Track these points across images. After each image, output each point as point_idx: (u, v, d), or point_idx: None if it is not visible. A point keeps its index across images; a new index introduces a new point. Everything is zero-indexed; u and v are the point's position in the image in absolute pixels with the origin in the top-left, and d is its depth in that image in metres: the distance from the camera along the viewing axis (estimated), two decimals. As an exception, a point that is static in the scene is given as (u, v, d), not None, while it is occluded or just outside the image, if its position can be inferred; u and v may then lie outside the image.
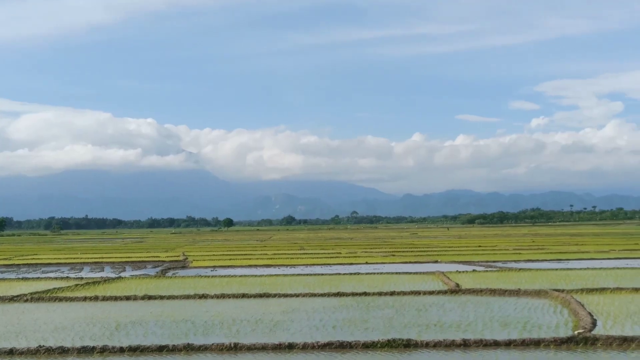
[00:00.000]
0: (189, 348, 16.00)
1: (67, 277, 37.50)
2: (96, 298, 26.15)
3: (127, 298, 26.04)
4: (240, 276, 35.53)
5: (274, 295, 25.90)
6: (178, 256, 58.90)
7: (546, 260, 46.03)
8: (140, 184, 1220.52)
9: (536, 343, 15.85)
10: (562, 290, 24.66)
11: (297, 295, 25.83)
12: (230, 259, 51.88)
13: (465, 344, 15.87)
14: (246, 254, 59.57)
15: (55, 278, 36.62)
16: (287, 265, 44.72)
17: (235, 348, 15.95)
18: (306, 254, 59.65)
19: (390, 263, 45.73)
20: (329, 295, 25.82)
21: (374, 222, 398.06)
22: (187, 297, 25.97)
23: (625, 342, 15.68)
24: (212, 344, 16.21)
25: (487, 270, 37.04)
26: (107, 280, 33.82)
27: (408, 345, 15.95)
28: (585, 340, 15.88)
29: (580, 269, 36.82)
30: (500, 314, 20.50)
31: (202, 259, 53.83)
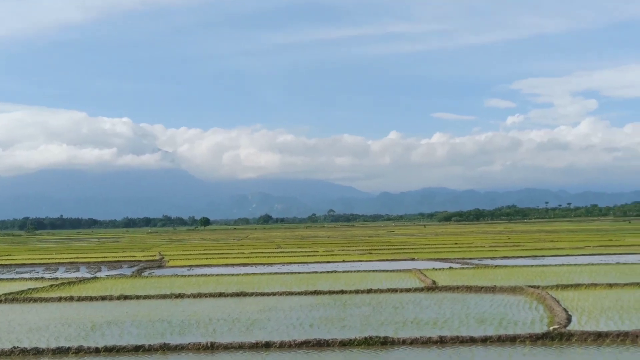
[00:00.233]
0: (165, 348, 15.92)
1: (42, 277, 37.19)
2: (71, 298, 25.95)
3: (103, 298, 25.87)
4: (217, 275, 35.43)
5: (251, 294, 25.87)
6: (154, 256, 58.63)
7: (522, 257, 46.35)
8: (116, 184, 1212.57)
9: (512, 339, 15.95)
10: (538, 287, 24.86)
11: (274, 294, 25.82)
12: (206, 258, 51.74)
13: (441, 341, 15.94)
14: (223, 253, 59.42)
15: (30, 279, 36.31)
16: (264, 264, 44.69)
17: (212, 347, 15.89)
18: (283, 252, 59.62)
19: (367, 261, 45.83)
20: (306, 293, 25.82)
21: (350, 221, 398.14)
22: (164, 296, 25.86)
23: (599, 337, 15.81)
24: (189, 343, 16.14)
25: (463, 268, 37.23)
26: (82, 280, 33.58)
27: (385, 342, 15.99)
28: (560, 336, 16.00)
29: (556, 265, 37.12)
30: (477, 311, 20.61)
31: (179, 258, 53.64)
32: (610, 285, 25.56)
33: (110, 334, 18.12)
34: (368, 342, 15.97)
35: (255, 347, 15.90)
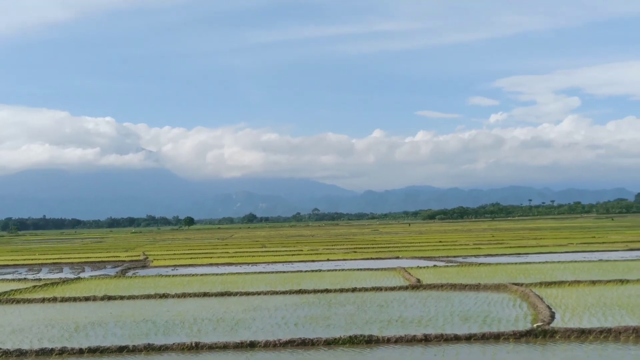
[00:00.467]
0: (149, 348, 15.88)
1: (25, 278, 36.98)
2: (55, 299, 25.82)
3: (87, 299, 25.75)
4: (202, 275, 35.37)
5: (236, 294, 25.85)
6: (138, 256, 58.43)
7: (506, 254, 46.57)
8: (99, 184, 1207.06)
9: (496, 336, 16.03)
10: (521, 284, 24.97)
11: (258, 294, 25.81)
12: (191, 258, 51.63)
13: (426, 339, 15.99)
14: (207, 253, 59.32)
15: (13, 280, 36.07)
16: (248, 264, 44.64)
17: (197, 347, 15.87)
18: (267, 251, 59.59)
19: (351, 260, 45.88)
20: (290, 292, 25.82)
21: (335, 219, 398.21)
22: (148, 297, 25.78)
23: (583, 334, 15.93)
24: (173, 343, 16.11)
25: (447, 266, 37.35)
26: (65, 281, 33.42)
27: (370, 341, 16.03)
28: (544, 333, 16.10)
29: (539, 262, 37.30)
30: (461, 309, 20.69)
31: (163, 258, 53.48)
32: (593, 282, 25.72)
33: (94, 335, 18.05)
34: (353, 341, 16.00)
35: (240, 346, 15.89)
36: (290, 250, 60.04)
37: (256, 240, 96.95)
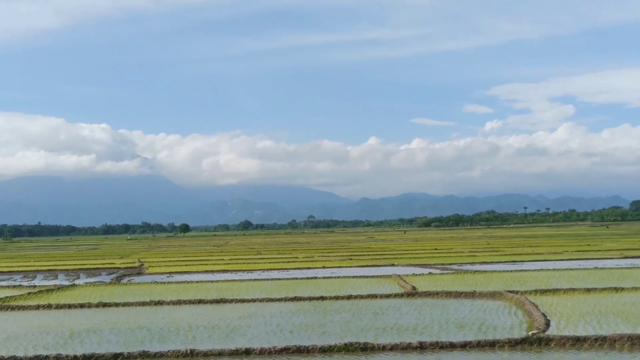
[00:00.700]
0: (144, 355, 15.86)
1: (20, 285, 36.91)
2: (49, 306, 25.76)
3: (82, 306, 25.70)
4: (197, 282, 35.32)
5: (231, 301, 25.82)
6: (133, 263, 58.32)
7: (501, 262, 46.60)
8: (94, 190, 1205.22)
9: (491, 344, 16.04)
10: (517, 292, 24.99)
11: (254, 301, 25.78)
12: (186, 265, 51.57)
13: (421, 347, 15.99)
14: (203, 260, 59.25)
15: (8, 286, 36.01)
16: (244, 271, 44.62)
17: (192, 354, 15.85)
18: (263, 258, 59.53)
19: (347, 267, 45.87)
20: (286, 299, 25.80)
21: (330, 226, 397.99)
22: (143, 303, 25.73)
23: (578, 342, 15.95)
24: (168, 350, 16.09)
25: (443, 273, 37.36)
26: (60, 288, 33.34)
27: (365, 348, 16.02)
28: (539, 341, 16.11)
29: (534, 270, 37.33)
30: (456, 316, 20.69)
31: (158, 265, 53.41)
32: (589, 290, 25.75)
33: (89, 342, 18.01)
34: (348, 348, 15.99)
35: (235, 353, 15.88)
36: (285, 258, 60.00)
37: (252, 247, 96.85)
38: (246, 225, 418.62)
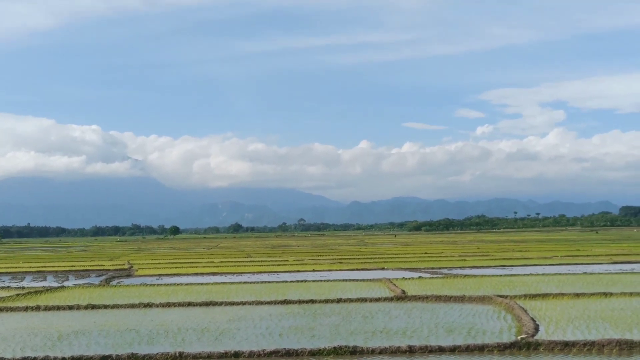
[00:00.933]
0: (133, 358, 15.81)
1: (8, 286, 36.75)
2: (38, 308, 25.67)
3: (70, 307, 25.62)
4: (186, 284, 35.27)
5: (220, 304, 25.78)
6: (123, 265, 58.17)
7: (491, 266, 46.69)
8: (84, 192, 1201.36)
9: (480, 348, 16.07)
10: (506, 296, 25.06)
11: (243, 304, 25.76)
12: (176, 267, 51.49)
13: (410, 350, 16.01)
14: (192, 262, 59.17)
15: (-4, 288, 35.82)
16: (233, 273, 44.56)
17: (181, 357, 15.82)
18: (253, 261, 59.49)
19: (337, 270, 45.88)
20: (275, 303, 25.79)
21: (321, 230, 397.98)
22: (132, 306, 25.67)
23: (566, 346, 15.99)
24: (157, 353, 16.05)
25: (433, 277, 37.41)
26: (49, 289, 33.22)
27: (354, 352, 16.03)
28: (528, 346, 16.15)
29: (524, 275, 37.44)
30: (446, 320, 20.72)
31: (148, 267, 53.29)
32: (577, 295, 25.83)
33: (78, 344, 17.95)
34: (337, 352, 15.99)
35: (224, 356, 15.86)
36: (275, 261, 59.96)
37: (242, 250, 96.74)
38: (236, 228, 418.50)
